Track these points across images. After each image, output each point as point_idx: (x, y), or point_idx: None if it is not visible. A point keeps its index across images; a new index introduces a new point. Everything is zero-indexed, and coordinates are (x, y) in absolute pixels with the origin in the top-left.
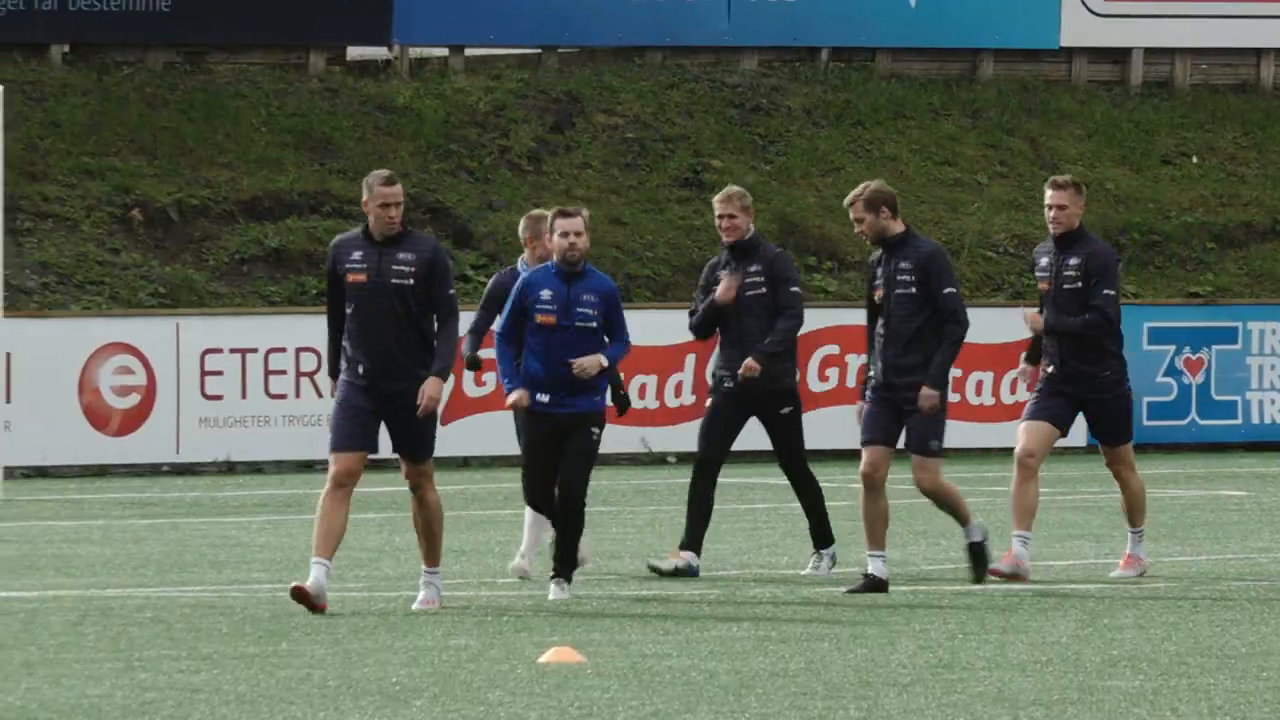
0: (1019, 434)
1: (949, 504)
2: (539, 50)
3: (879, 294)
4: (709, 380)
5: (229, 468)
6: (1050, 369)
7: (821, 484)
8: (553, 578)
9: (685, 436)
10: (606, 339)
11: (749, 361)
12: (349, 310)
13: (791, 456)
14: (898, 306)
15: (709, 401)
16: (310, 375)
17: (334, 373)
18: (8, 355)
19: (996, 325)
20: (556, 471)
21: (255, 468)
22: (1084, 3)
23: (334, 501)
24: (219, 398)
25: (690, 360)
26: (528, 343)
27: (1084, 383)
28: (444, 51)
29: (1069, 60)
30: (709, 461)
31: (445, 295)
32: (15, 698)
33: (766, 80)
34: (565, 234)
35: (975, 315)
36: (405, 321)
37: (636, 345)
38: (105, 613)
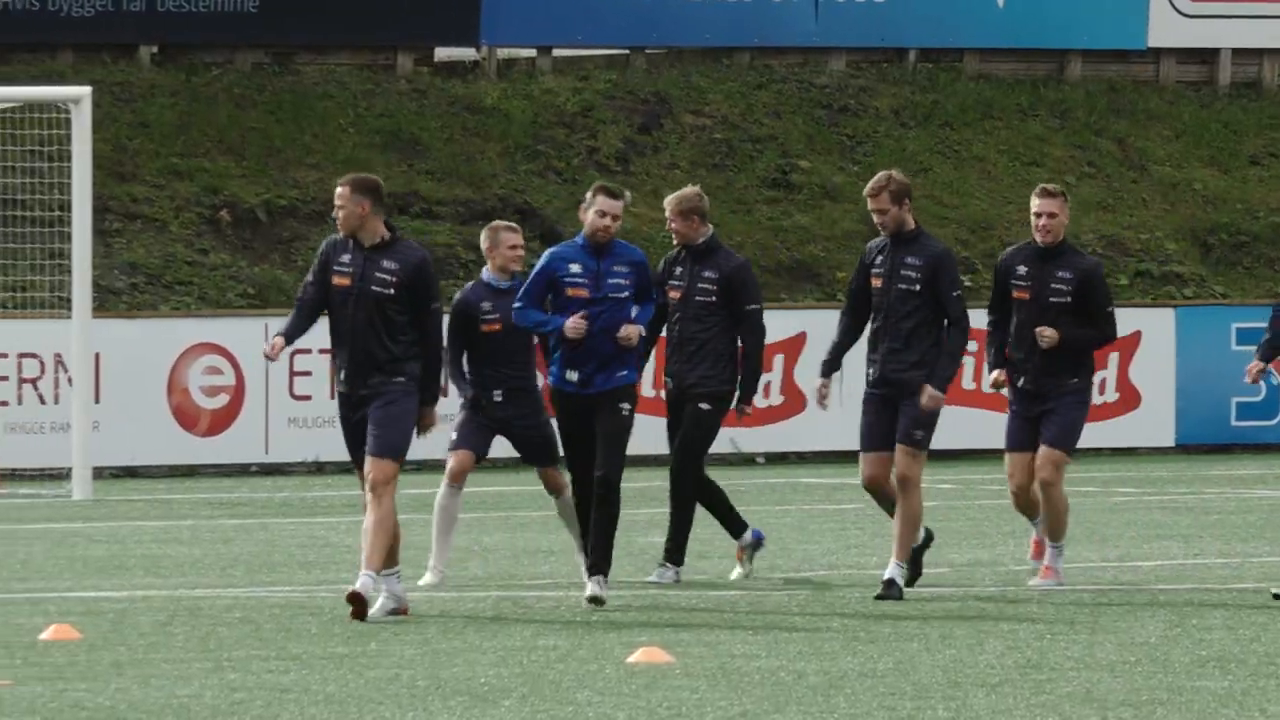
0: (1007, 463)
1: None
2: (627, 51)
3: (877, 283)
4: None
5: (318, 468)
6: (1021, 383)
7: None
8: (590, 574)
9: (774, 437)
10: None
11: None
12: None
13: (690, 455)
14: (899, 302)
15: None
16: None
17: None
18: (97, 356)
19: None
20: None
21: (344, 468)
22: (1171, 3)
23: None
24: (307, 398)
25: (779, 361)
26: (558, 319)
27: (1049, 397)
28: (532, 52)
29: (1156, 61)
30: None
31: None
32: (105, 698)
33: (854, 81)
34: (603, 214)
35: None
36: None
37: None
38: (194, 613)
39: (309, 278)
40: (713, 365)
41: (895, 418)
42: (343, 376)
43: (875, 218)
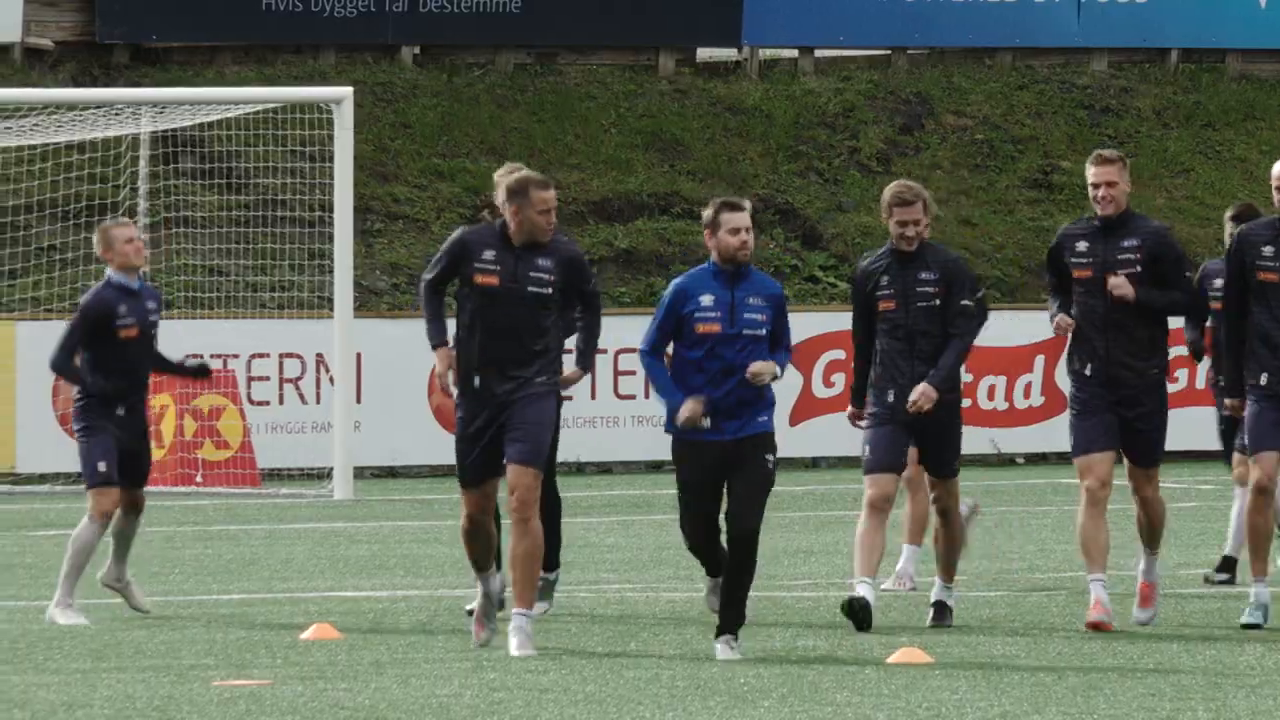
0: (1083, 464)
1: (954, 540)
2: (889, 51)
3: (892, 305)
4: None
5: (578, 468)
6: (1088, 370)
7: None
8: (719, 636)
9: (1034, 438)
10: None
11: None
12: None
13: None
14: (922, 319)
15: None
16: None
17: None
18: (358, 355)
19: None
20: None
21: (604, 468)
22: None
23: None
24: (568, 398)
25: (1039, 361)
26: (680, 359)
27: (1125, 385)
28: (794, 52)
29: None
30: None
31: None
32: (364, 697)
33: (1116, 81)
34: (736, 230)
35: None
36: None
37: (987, 346)
38: (454, 613)
39: (435, 275)
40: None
41: (909, 435)
42: (478, 382)
43: (908, 229)
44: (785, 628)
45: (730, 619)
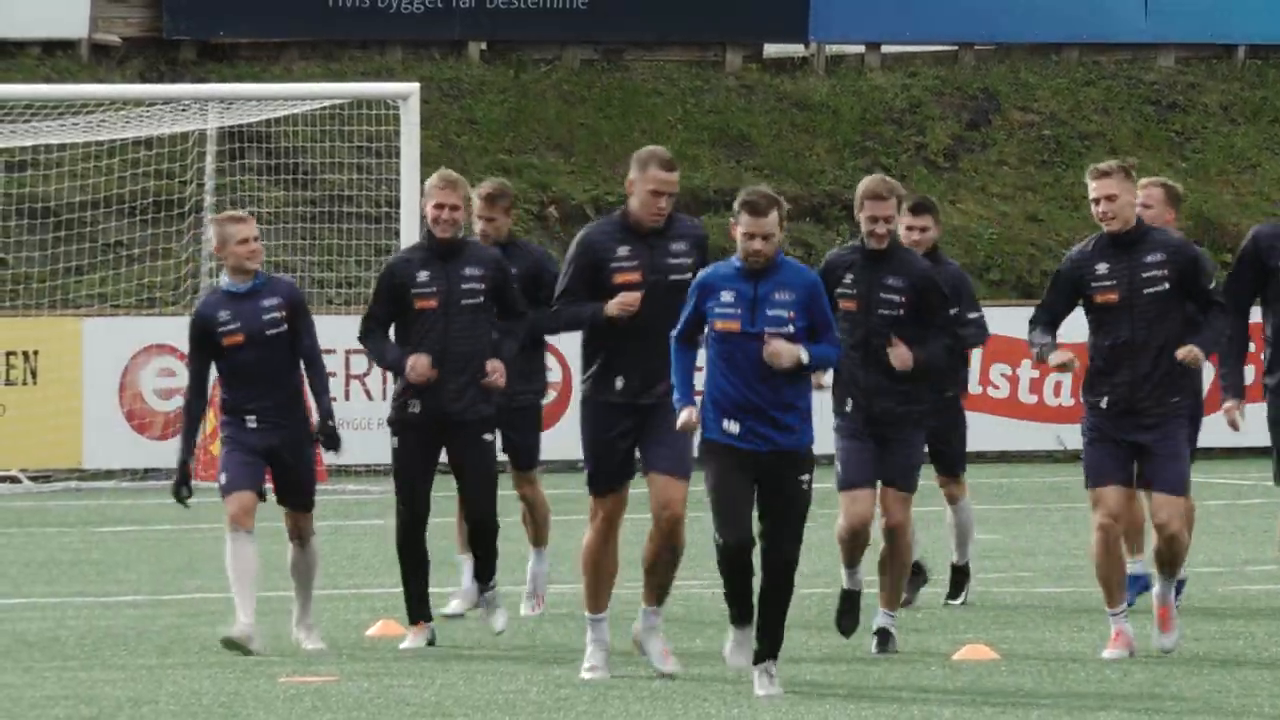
0: (1096, 498)
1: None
2: (955, 47)
3: (853, 306)
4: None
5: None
6: (1105, 402)
7: None
8: (757, 662)
9: None
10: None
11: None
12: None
13: (491, 496)
14: (881, 327)
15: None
16: None
17: None
18: None
19: None
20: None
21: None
22: None
23: None
24: None
25: None
26: (709, 357)
27: (1145, 416)
28: (860, 48)
29: None
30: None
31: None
32: (430, 693)
33: (1183, 77)
34: (751, 235)
35: None
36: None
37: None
38: (519, 609)
39: (571, 283)
40: None
41: (877, 449)
42: (620, 385)
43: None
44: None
45: (768, 645)
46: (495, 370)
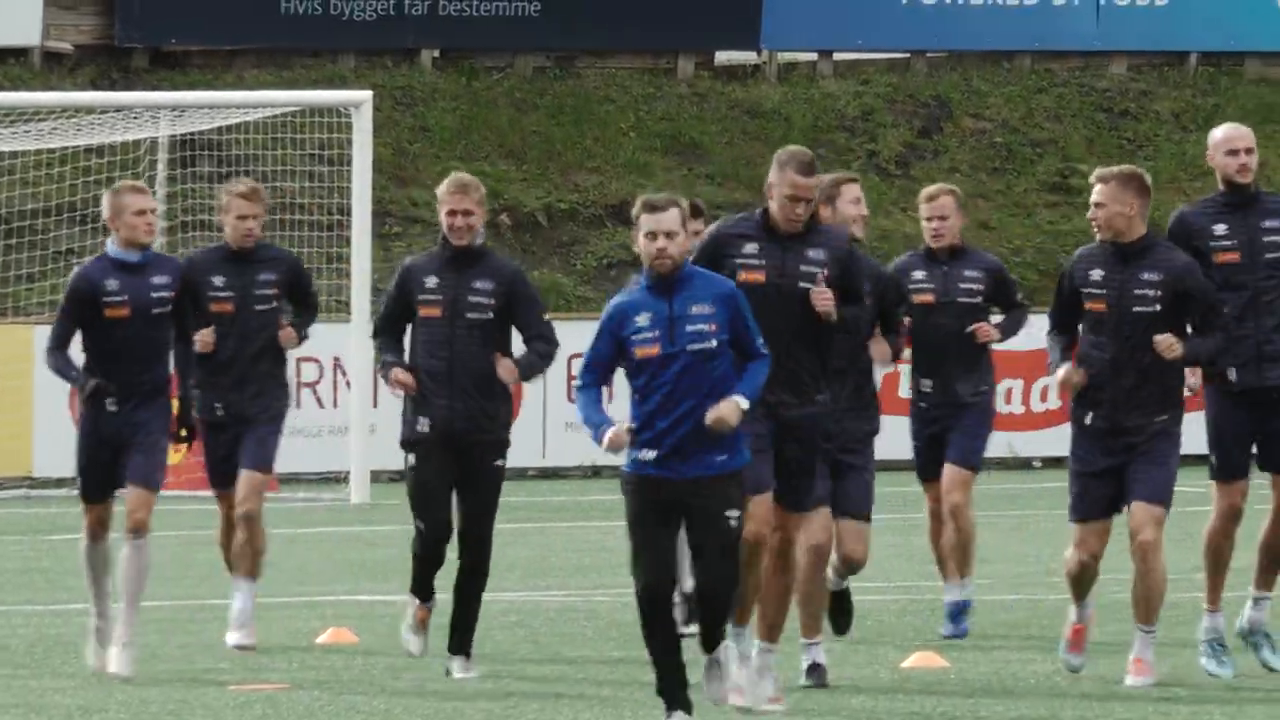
0: (1078, 535)
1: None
2: (907, 54)
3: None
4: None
5: (594, 472)
6: (1090, 419)
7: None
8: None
9: (1051, 441)
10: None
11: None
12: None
13: (488, 520)
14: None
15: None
16: None
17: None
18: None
19: None
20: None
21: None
22: None
23: None
24: None
25: None
26: (631, 389)
27: (1129, 435)
28: (812, 56)
29: None
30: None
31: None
32: (380, 702)
33: (1135, 85)
34: (653, 235)
35: None
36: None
37: (1004, 350)
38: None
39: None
40: None
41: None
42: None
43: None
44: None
45: (710, 639)
46: (505, 372)
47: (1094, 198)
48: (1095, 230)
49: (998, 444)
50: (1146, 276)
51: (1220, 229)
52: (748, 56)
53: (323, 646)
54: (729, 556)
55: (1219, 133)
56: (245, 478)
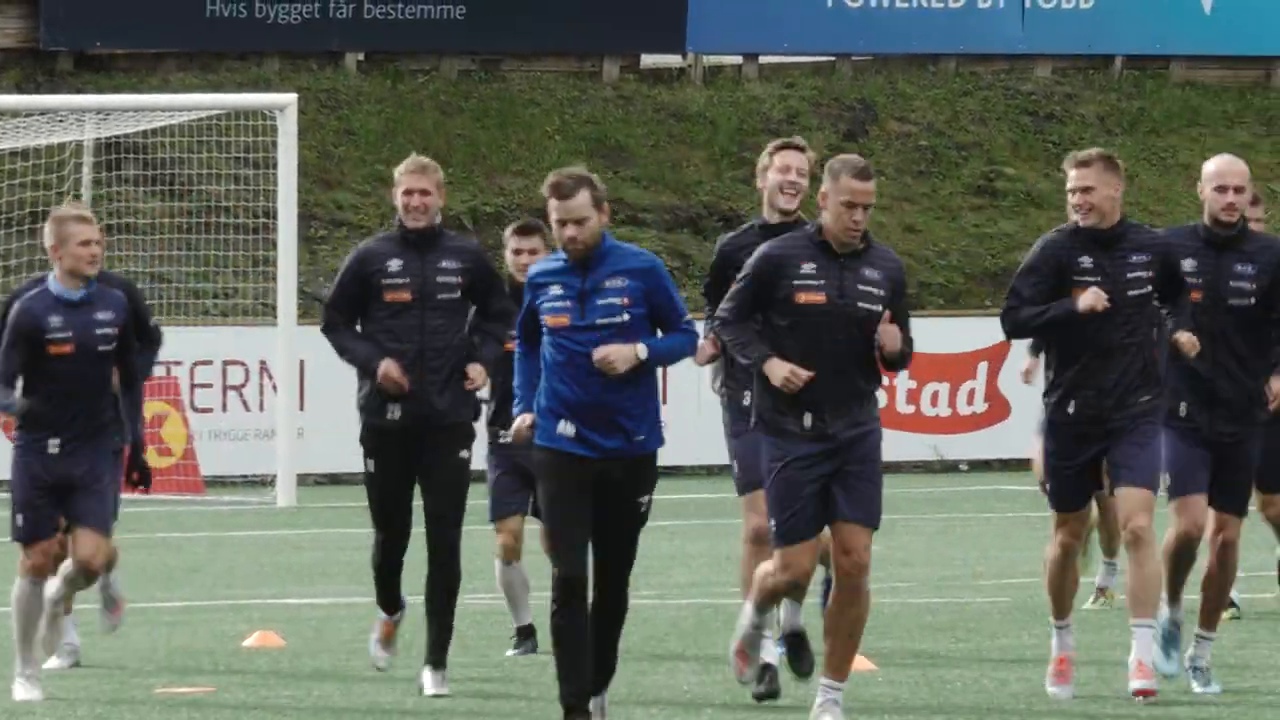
0: (1060, 521)
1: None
2: (833, 58)
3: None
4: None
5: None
6: (1073, 408)
7: None
8: (595, 694)
9: (977, 444)
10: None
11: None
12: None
13: (455, 523)
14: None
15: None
16: None
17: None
18: (301, 363)
19: None
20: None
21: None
22: None
23: None
24: None
25: (983, 368)
26: (544, 357)
27: (1111, 421)
28: (738, 59)
29: None
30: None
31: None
32: (307, 704)
33: (1060, 88)
34: (562, 222)
35: None
36: None
37: (930, 353)
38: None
39: (742, 296)
40: None
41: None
42: (808, 421)
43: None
44: (729, 633)
45: (600, 675)
46: (477, 375)
47: (1079, 182)
48: (1079, 215)
49: (922, 448)
50: (1135, 259)
51: (1189, 265)
52: (673, 60)
53: (249, 649)
54: (632, 542)
55: (1211, 166)
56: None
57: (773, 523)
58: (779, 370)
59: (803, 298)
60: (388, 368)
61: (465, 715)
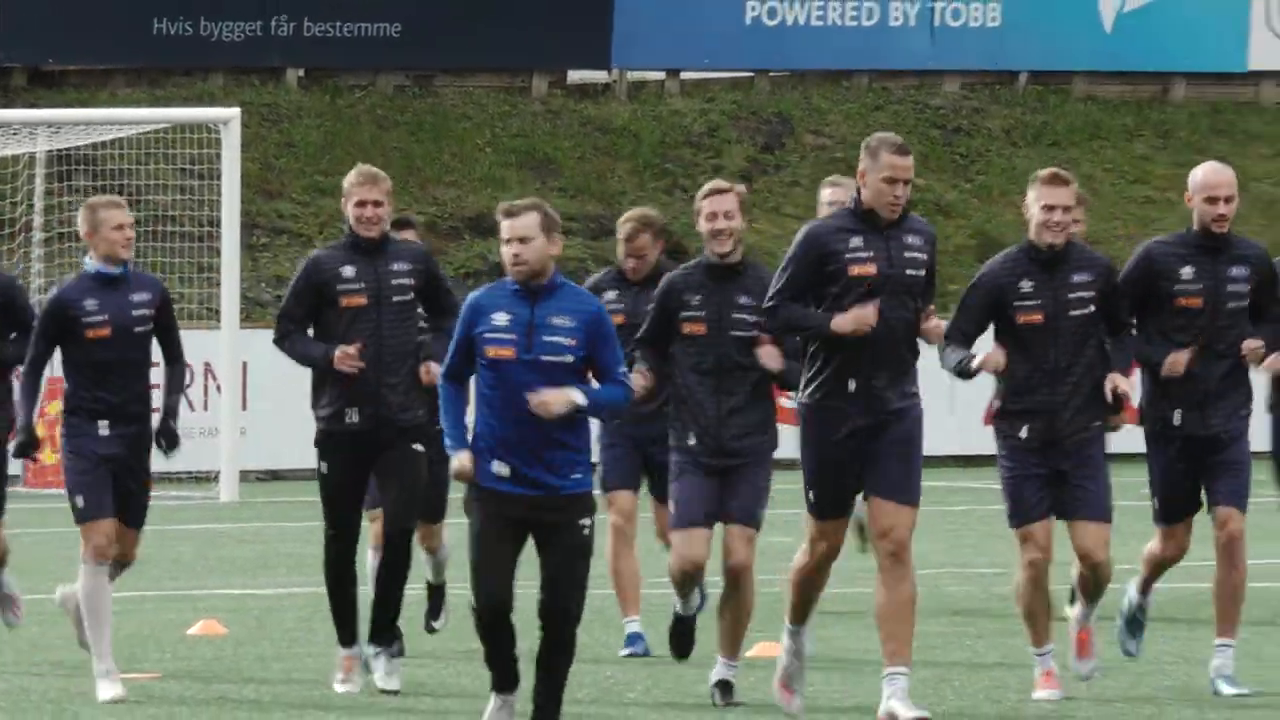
0: (1024, 535)
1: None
2: (751, 74)
3: (702, 330)
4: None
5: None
6: (1025, 433)
7: None
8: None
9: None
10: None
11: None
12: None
13: (414, 514)
14: (737, 349)
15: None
16: None
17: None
18: (244, 364)
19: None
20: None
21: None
22: (1270, 28)
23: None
24: None
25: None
26: (478, 389)
27: (1066, 442)
28: (661, 75)
29: (1256, 83)
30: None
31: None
32: (249, 691)
33: (967, 102)
34: (509, 240)
35: None
36: None
37: None
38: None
39: (793, 279)
40: None
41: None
42: (853, 387)
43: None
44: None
45: (548, 713)
46: (431, 373)
47: (1060, 200)
48: (1049, 233)
49: None
50: (1078, 279)
51: (1187, 272)
52: (599, 75)
53: (194, 637)
54: (583, 558)
55: (1199, 175)
56: None
57: (811, 495)
58: (846, 320)
59: (856, 270)
60: (341, 350)
61: (398, 701)
